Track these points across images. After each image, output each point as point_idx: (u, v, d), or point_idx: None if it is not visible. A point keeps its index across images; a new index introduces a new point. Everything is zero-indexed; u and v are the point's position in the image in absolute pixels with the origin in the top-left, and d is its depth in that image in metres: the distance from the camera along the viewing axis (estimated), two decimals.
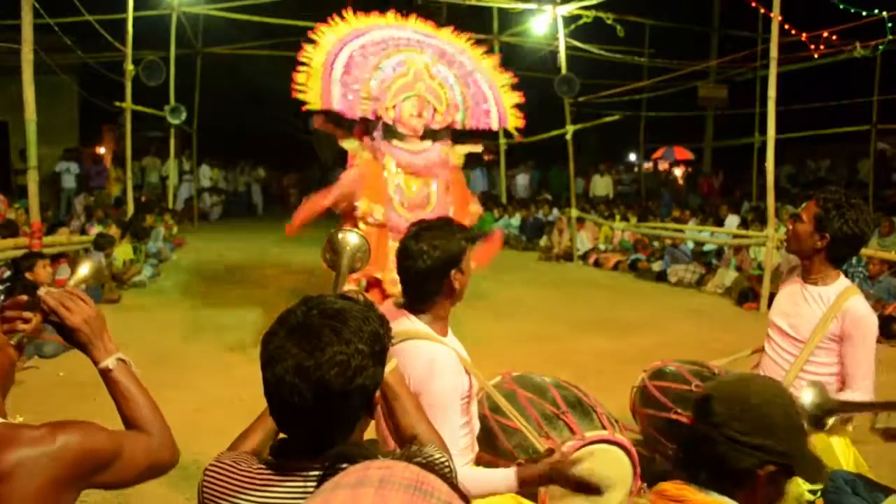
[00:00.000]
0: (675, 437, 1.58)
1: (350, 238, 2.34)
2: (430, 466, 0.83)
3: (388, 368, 1.78)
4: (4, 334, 1.59)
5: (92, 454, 1.44)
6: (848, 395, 2.81)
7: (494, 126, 6.40)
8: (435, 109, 6.01)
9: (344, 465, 0.97)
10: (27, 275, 6.53)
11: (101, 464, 1.46)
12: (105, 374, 1.63)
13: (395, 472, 0.80)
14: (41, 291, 1.69)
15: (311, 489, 1.36)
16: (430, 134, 6.05)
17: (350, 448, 1.39)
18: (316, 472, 1.36)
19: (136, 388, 1.64)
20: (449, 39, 6.45)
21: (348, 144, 6.09)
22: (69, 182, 16.22)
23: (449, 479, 0.82)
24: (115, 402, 1.63)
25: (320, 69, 5.77)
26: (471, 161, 7.63)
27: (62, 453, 1.39)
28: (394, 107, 5.88)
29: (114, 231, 10.27)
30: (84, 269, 1.86)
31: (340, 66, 5.83)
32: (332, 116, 5.97)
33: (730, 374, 1.68)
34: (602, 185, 19.46)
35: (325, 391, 1.33)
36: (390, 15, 6.28)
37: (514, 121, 6.41)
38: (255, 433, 1.77)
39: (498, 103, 6.31)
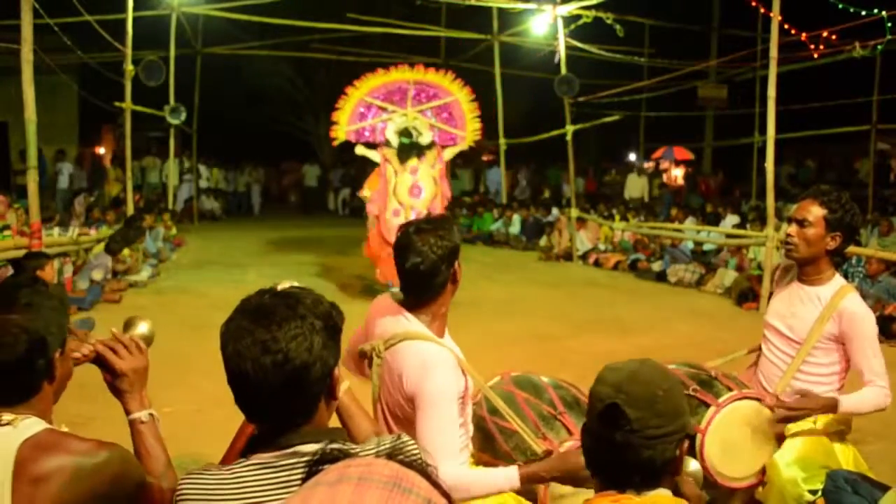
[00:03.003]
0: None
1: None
2: (411, 464, 0.83)
3: (342, 388, 1.79)
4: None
5: (129, 477, 1.49)
6: (861, 393, 2.78)
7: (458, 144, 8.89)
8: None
9: (331, 451, 0.97)
10: (38, 273, 6.52)
11: (133, 488, 1.51)
12: (134, 424, 1.73)
13: (374, 469, 0.80)
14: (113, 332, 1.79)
15: (277, 476, 1.37)
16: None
17: (320, 433, 1.40)
18: (285, 462, 1.37)
19: (158, 443, 1.72)
20: (436, 80, 8.80)
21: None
22: (63, 183, 16.28)
23: (429, 475, 0.83)
24: (136, 452, 1.70)
25: (350, 114, 8.57)
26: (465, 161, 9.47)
27: (104, 468, 1.43)
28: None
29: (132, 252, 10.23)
30: (143, 326, 1.92)
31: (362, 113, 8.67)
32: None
33: (613, 370, 1.64)
34: (638, 186, 17.65)
35: (285, 363, 1.35)
36: (398, 70, 8.81)
37: (471, 139, 8.79)
38: (242, 438, 1.79)
39: (462, 128, 8.77)
